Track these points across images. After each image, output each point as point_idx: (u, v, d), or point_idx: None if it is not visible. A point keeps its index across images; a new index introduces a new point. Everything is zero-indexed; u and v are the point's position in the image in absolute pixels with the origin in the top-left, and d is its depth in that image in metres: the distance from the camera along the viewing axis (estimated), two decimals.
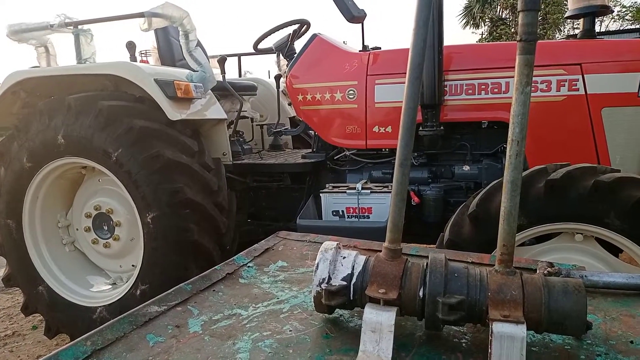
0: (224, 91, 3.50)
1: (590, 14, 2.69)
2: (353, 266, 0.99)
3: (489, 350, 0.85)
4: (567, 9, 2.88)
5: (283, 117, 4.10)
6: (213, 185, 2.85)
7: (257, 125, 4.22)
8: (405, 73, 0.99)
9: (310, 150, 3.45)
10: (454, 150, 2.92)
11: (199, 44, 3.07)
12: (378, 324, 0.91)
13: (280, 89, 3.97)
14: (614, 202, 1.93)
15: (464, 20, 23.31)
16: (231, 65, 4.75)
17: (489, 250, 2.03)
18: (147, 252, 2.74)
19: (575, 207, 1.99)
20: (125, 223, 2.97)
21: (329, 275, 0.98)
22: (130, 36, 3.78)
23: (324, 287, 0.97)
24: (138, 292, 2.78)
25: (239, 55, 4.73)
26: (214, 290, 1.22)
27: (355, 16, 2.84)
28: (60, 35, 3.22)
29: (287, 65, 3.26)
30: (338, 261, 1.00)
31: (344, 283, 0.97)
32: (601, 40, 2.74)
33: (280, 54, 3.56)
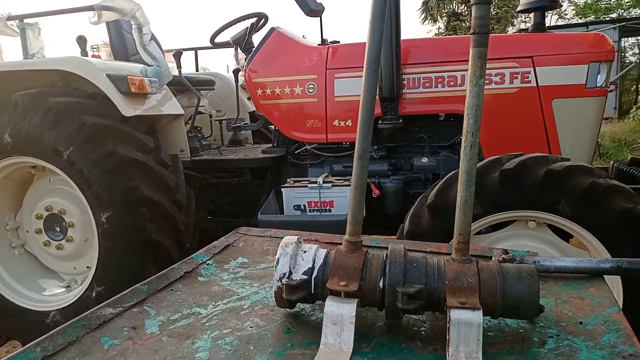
0: (181, 86, 3.42)
1: (541, 8, 2.78)
2: (314, 260, 0.99)
3: (447, 337, 0.87)
4: (516, 3, 2.97)
5: (242, 112, 4.05)
6: (170, 182, 2.78)
7: (215, 120, 4.15)
8: (363, 67, 0.99)
9: (270, 145, 3.42)
10: (412, 142, 2.96)
11: (153, 38, 2.98)
12: (339, 316, 0.92)
13: (239, 84, 3.91)
14: (564, 190, 2.00)
15: (423, 16, 23.68)
16: (187, 59, 4.65)
17: (448, 240, 2.08)
18: (103, 253, 2.65)
19: (528, 196, 2.05)
20: (79, 224, 2.86)
21: (290, 270, 0.97)
22: (81, 30, 3.64)
23: (284, 282, 0.97)
24: (94, 294, 2.70)
25: (196, 49, 4.63)
26: (171, 290, 1.20)
27: (313, 10, 2.82)
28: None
29: (245, 59, 3.21)
30: (299, 255, 1.00)
31: (305, 277, 0.97)
32: (551, 33, 2.84)
33: (238, 48, 3.51)
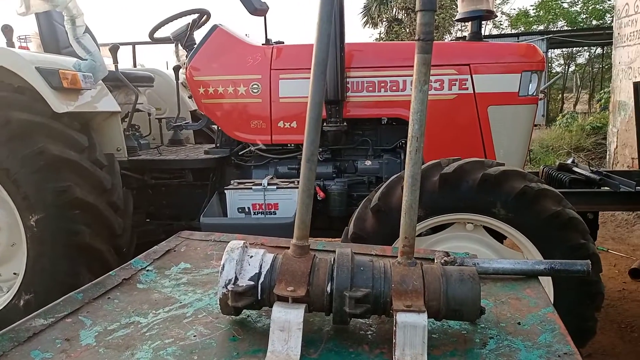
0: (117, 82, 3.27)
1: (477, 18, 2.90)
2: (261, 265, 0.97)
3: (394, 340, 0.87)
4: (453, 12, 3.09)
5: (183, 111, 3.93)
6: (106, 183, 2.65)
7: (155, 118, 4.01)
8: (309, 68, 0.98)
9: (213, 145, 3.34)
10: (356, 145, 2.99)
11: (87, 30, 2.83)
12: (287, 322, 0.90)
13: (180, 81, 3.80)
14: (499, 194, 2.10)
15: (364, 19, 24.10)
16: (125, 54, 4.46)
17: (392, 241, 2.12)
18: (32, 259, 2.48)
19: (466, 199, 2.13)
20: (5, 227, 2.66)
21: (236, 276, 0.95)
22: (7, 20, 3.40)
23: (230, 289, 0.94)
24: (21, 302, 2.52)
25: (134, 44, 4.45)
26: (108, 298, 1.13)
27: (257, 9, 2.79)
28: None
29: (186, 56, 3.12)
30: (245, 261, 0.97)
31: (252, 283, 0.95)
32: (487, 43, 2.97)
33: (179, 44, 3.40)
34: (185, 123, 3.70)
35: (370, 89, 2.79)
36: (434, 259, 1.25)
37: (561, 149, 9.00)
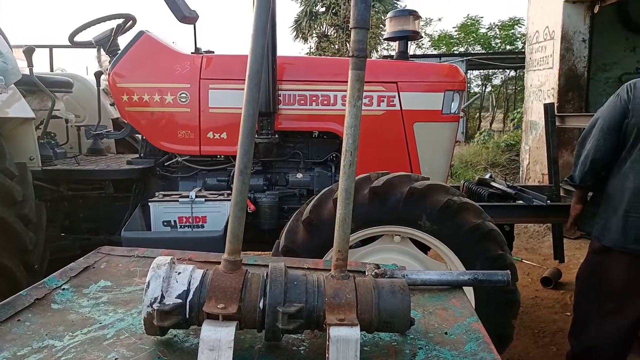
0: (32, 86, 3.04)
1: (404, 38, 3.02)
2: (189, 282, 0.93)
3: (327, 355, 0.87)
4: (379, 31, 3.21)
5: (105, 119, 3.73)
6: (16, 194, 2.44)
7: (73, 126, 3.77)
8: (241, 79, 0.97)
9: (136, 155, 3.19)
10: (288, 158, 2.99)
11: None
12: (217, 341, 0.87)
13: (102, 87, 3.61)
14: (425, 207, 2.18)
15: (295, 33, 24.34)
16: (41, 58, 4.17)
17: (323, 254, 2.13)
18: None
19: (394, 211, 2.19)
20: None
21: (162, 294, 0.90)
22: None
23: (156, 307, 0.89)
24: None
25: (51, 47, 4.17)
26: (18, 320, 1.03)
27: (186, 16, 2.72)
28: None
29: (109, 62, 2.97)
30: (172, 277, 0.93)
31: (179, 301, 0.90)
32: (413, 62, 3.10)
33: (102, 49, 3.24)
34: (107, 131, 3.52)
35: (302, 102, 2.81)
36: (365, 272, 1.26)
37: (479, 165, 9.56)
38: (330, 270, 1.00)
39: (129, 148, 4.01)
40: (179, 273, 0.94)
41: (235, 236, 0.95)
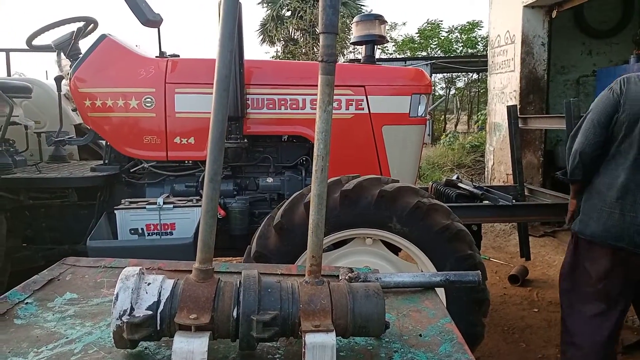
0: None
1: (371, 42, 3.04)
2: (160, 292, 0.90)
3: None
4: (346, 35, 3.23)
5: (66, 125, 3.61)
6: None
7: (33, 133, 3.63)
8: (208, 83, 0.95)
9: (101, 162, 3.10)
10: (257, 162, 2.96)
11: None
12: (189, 353, 0.85)
13: (63, 93, 3.49)
14: (395, 209, 2.20)
15: (261, 37, 24.25)
16: None
17: (295, 259, 2.12)
18: None
19: (365, 214, 2.20)
20: None
21: (132, 306, 0.87)
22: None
23: (125, 320, 0.86)
24: None
25: (7, 51, 4.02)
26: None
27: (150, 20, 2.66)
28: None
29: (70, 67, 2.88)
30: (142, 289, 0.90)
31: (150, 312, 0.88)
32: (380, 66, 3.13)
33: (62, 53, 3.13)
34: (69, 138, 3.40)
35: (271, 106, 2.79)
36: (339, 276, 1.26)
37: (445, 166, 9.74)
38: (304, 275, 0.99)
39: (92, 155, 3.90)
40: (149, 284, 0.91)
41: (207, 245, 0.93)
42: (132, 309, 0.87)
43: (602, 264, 2.32)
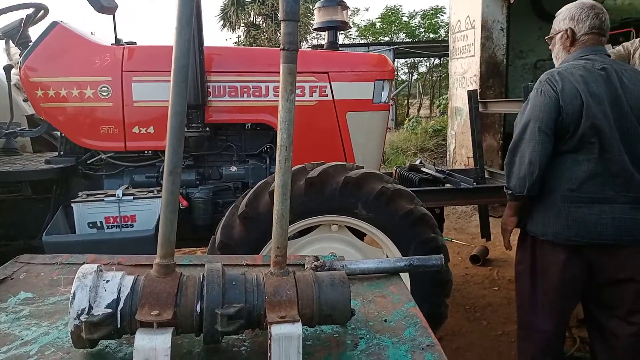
0: None
1: (333, 28, 3.03)
2: (119, 289, 0.87)
3: (269, 354, 0.85)
4: (308, 21, 3.20)
5: (17, 116, 3.45)
6: None
7: None
8: (167, 71, 0.92)
9: (56, 154, 2.99)
10: (220, 151, 2.92)
11: None
12: (152, 350, 0.83)
13: (13, 82, 3.33)
14: (360, 195, 2.21)
15: (221, 22, 23.77)
16: None
17: (260, 248, 2.11)
18: None
19: (330, 201, 2.21)
20: None
21: (90, 304, 0.84)
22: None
23: (84, 319, 0.83)
24: None
25: None
26: None
27: (105, 6, 2.56)
28: None
29: (20, 55, 2.75)
30: (100, 286, 0.87)
31: (109, 311, 0.85)
32: (343, 52, 3.12)
33: (10, 41, 2.98)
34: (21, 129, 3.26)
35: (233, 93, 2.74)
36: (304, 265, 1.26)
37: (409, 150, 9.87)
38: (269, 265, 0.98)
39: (46, 146, 3.75)
40: (107, 281, 0.88)
41: (167, 239, 0.91)
42: (90, 307, 0.84)
43: (561, 260, 2.17)
